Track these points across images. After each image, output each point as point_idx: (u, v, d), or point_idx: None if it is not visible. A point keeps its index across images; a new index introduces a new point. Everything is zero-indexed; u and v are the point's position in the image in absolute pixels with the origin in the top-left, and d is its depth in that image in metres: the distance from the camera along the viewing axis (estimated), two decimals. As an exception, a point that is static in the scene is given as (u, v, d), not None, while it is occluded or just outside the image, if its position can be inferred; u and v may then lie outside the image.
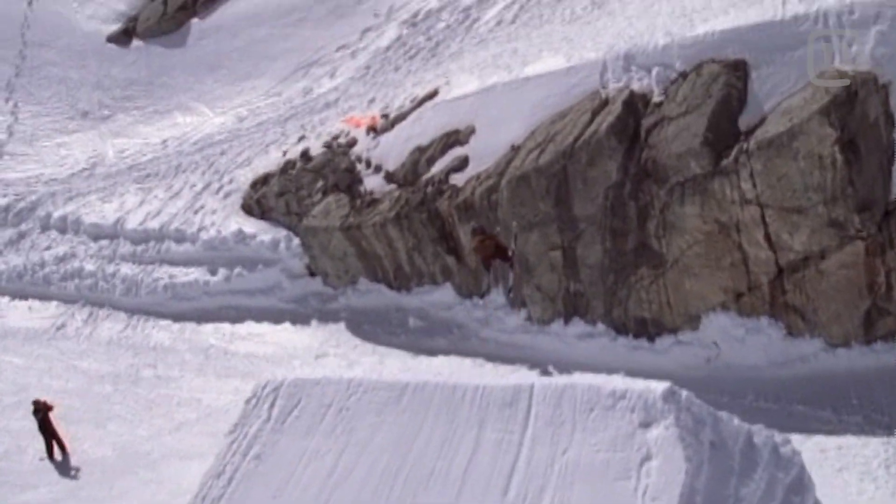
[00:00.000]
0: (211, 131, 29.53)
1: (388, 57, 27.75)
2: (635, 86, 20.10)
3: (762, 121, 18.49)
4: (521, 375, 18.90)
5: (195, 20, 33.19)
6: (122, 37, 34.30)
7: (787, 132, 17.79)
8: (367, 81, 27.44)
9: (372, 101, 26.32)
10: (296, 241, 24.58)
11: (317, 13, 30.75)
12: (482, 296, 21.91)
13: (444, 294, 22.42)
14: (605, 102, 20.32)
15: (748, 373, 18.57)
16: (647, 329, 19.68)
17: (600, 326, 20.11)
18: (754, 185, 18.08)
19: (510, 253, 20.05)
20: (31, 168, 31.74)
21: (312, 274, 24.50)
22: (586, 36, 22.32)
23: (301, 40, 30.30)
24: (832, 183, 17.58)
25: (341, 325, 23.34)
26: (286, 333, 23.61)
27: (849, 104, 17.58)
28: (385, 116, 25.07)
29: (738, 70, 19.11)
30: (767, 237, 18.26)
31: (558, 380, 12.46)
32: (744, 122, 18.65)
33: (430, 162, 22.87)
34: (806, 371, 18.23)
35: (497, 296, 21.54)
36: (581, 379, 12.34)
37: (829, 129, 17.50)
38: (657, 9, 21.73)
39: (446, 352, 21.46)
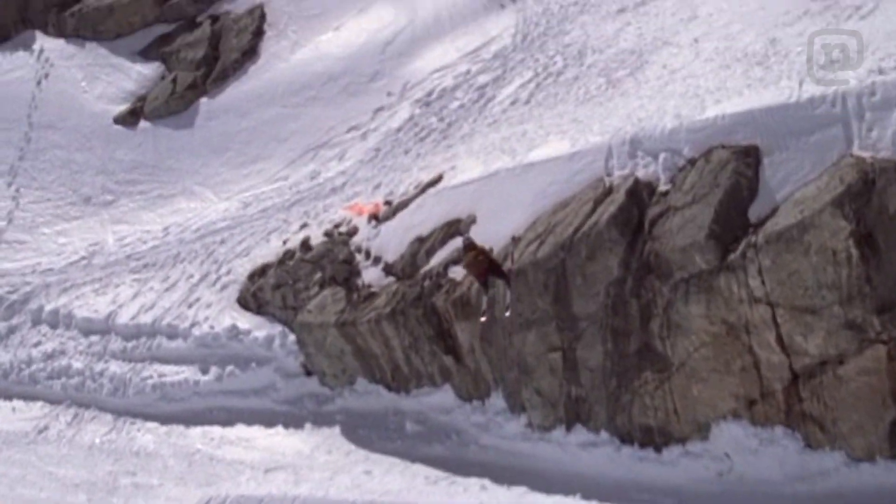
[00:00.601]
0: (214, 218, 29.73)
1: (399, 139, 27.83)
2: (641, 173, 19.87)
3: (774, 211, 18.15)
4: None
5: (204, 100, 33.60)
6: (130, 118, 34.79)
7: (797, 224, 17.41)
8: (375, 165, 27.51)
9: (378, 186, 26.36)
10: (291, 337, 24.51)
11: (328, 92, 30.98)
12: (482, 399, 21.67)
13: (444, 397, 22.16)
14: (609, 191, 20.10)
15: (763, 487, 18.02)
16: (654, 438, 19.23)
17: (604, 435, 19.70)
18: (763, 283, 17.68)
19: (506, 268, 19.91)
20: (28, 257, 32.13)
21: (309, 373, 24.38)
22: (595, 118, 22.17)
23: (311, 120, 30.52)
24: (848, 281, 17.13)
25: (336, 430, 23.12)
26: (277, 438, 23.44)
27: (865, 194, 17.15)
28: (388, 203, 25.06)
29: (750, 156, 18.80)
30: (779, 339, 17.79)
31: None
32: (755, 212, 18.30)
33: (430, 253, 22.76)
34: (826, 487, 17.66)
35: (497, 399, 21.27)
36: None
37: (842, 221, 17.09)
38: (671, 89, 21.54)
39: (443, 460, 21.20)
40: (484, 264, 20.61)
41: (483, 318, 20.73)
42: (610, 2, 28.40)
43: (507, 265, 20.51)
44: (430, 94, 28.58)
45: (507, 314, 20.36)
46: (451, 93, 28.04)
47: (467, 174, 23.11)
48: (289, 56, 32.98)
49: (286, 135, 30.74)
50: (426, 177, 24.65)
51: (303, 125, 30.58)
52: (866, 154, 17.71)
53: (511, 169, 21.85)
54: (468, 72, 28.32)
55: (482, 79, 27.79)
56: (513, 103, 26.06)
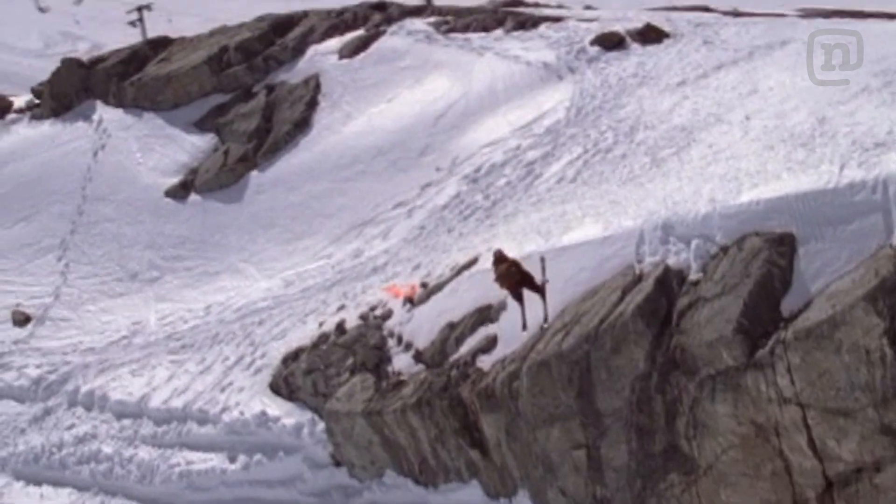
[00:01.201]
0: (255, 297, 30.12)
1: (444, 217, 28.00)
2: (672, 260, 19.72)
3: (807, 305, 17.91)
4: None
5: (254, 173, 34.21)
6: (180, 190, 35.56)
7: (828, 320, 17.10)
8: (418, 244, 27.69)
9: (417, 267, 26.49)
10: (321, 426, 24.63)
11: (378, 166, 31.34)
12: (509, 497, 21.57)
13: (471, 493, 22.04)
14: (639, 279, 19.96)
15: None
16: (682, 545, 18.97)
17: (630, 539, 19.52)
18: (792, 382, 17.35)
19: (540, 281, 20.69)
20: (70, 336, 32.81)
21: (338, 464, 24.50)
22: (633, 200, 22.06)
23: (359, 196, 30.89)
24: (882, 382, 16.73)
25: (364, 525, 23.23)
26: (303, 532, 23.60)
27: (901, 288, 16.92)
28: (424, 286, 25.23)
29: (784, 245, 18.55)
30: (811, 443, 17.41)
31: None
32: (787, 305, 18.01)
33: (460, 341, 22.77)
34: None
35: (524, 498, 21.16)
36: None
37: (875, 318, 16.74)
38: (712, 170, 21.41)
39: (470, 562, 21.14)
40: (516, 276, 20.95)
41: (524, 331, 20.99)
42: (670, 74, 28.45)
43: (540, 278, 20.83)
44: (478, 169, 28.76)
45: (545, 325, 20.55)
46: (500, 169, 28.17)
47: (502, 257, 23.17)
48: (340, 128, 33.47)
49: (333, 210, 31.11)
50: (464, 258, 24.77)
51: (350, 200, 30.94)
52: (905, 245, 17.44)
53: (545, 252, 21.88)
54: (518, 147, 28.45)
55: (531, 154, 27.88)
56: (559, 181, 26.09)
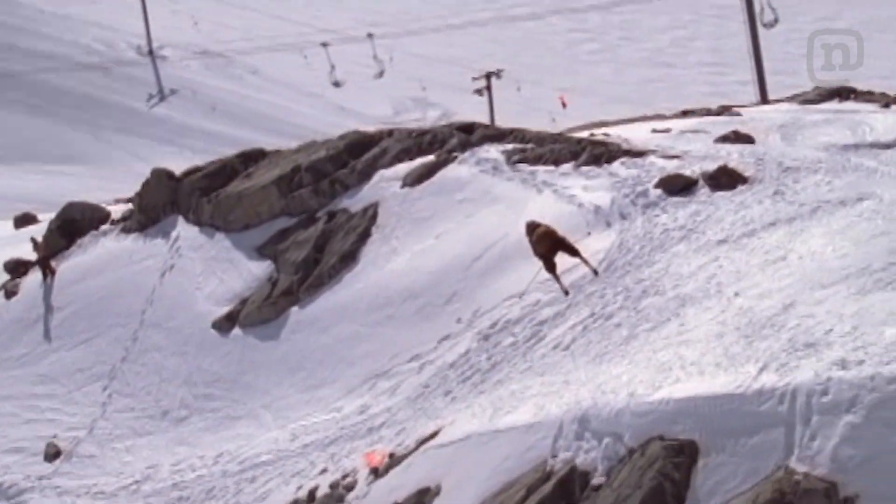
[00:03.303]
0: (261, 449, 31.19)
1: (447, 376, 28.54)
2: (581, 459, 19.95)
3: (694, 527, 17.90)
4: None
5: (295, 308, 35.43)
6: (225, 323, 37.07)
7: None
8: (416, 405, 28.27)
9: (401, 432, 27.20)
10: None
11: (406, 311, 32.12)
12: None
13: None
14: (547, 477, 20.28)
15: None
16: None
17: None
18: None
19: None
20: (89, 475, 34.60)
21: None
22: (580, 381, 22.43)
23: (382, 343, 31.69)
24: None
25: None
26: None
27: (792, 519, 16.78)
28: (391, 456, 25.97)
29: (684, 455, 18.61)
30: None
31: None
32: (677, 524, 18.10)
33: (397, 533, 23.43)
34: None
35: None
36: None
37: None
38: (658, 357, 21.60)
39: None
40: (549, 240, 28.04)
41: (568, 295, 27.99)
42: (718, 229, 28.51)
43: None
44: (494, 325, 29.26)
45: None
46: (512, 326, 28.61)
47: (452, 433, 23.74)
48: (384, 265, 34.49)
49: (356, 357, 32.06)
50: (431, 428, 25.41)
51: (373, 348, 31.83)
52: (802, 468, 17.34)
53: (482, 434, 22.36)
54: (537, 302, 28.84)
55: (546, 312, 28.24)
56: (555, 347, 26.42)
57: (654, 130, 51.66)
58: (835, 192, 29.16)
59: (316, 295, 35.38)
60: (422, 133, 39.75)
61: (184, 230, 43.04)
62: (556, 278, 28.57)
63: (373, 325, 32.66)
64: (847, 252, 24.04)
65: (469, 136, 38.90)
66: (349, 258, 35.53)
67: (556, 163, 34.72)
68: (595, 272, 28.18)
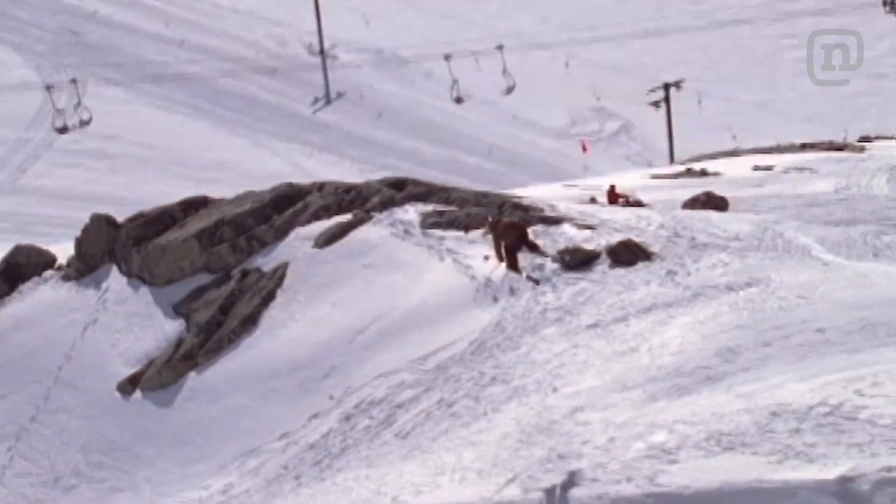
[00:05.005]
0: (126, 528, 32.98)
1: (305, 458, 29.93)
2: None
3: None
4: None
5: (192, 374, 37.01)
6: (129, 385, 38.55)
7: None
8: (270, 489, 29.67)
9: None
10: None
11: (288, 384, 33.49)
12: None
13: None
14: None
15: None
16: None
17: None
18: None
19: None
20: (-36, 548, 36.56)
21: None
22: (379, 478, 23.82)
23: (262, 417, 33.04)
24: None
25: None
26: None
27: None
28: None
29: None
30: None
31: None
32: None
33: None
34: None
35: None
36: None
37: None
38: (446, 458, 22.87)
39: None
40: (515, 234, 33.13)
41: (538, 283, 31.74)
42: (594, 312, 29.72)
43: None
44: (358, 404, 30.61)
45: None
46: (372, 408, 29.94)
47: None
48: (280, 332, 35.98)
49: (236, 433, 33.54)
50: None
51: (253, 423, 33.28)
52: None
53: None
54: (402, 383, 30.19)
55: (406, 395, 29.56)
56: (397, 435, 27.75)
57: (756, 167, 53.62)
58: (727, 276, 30.20)
59: (214, 360, 36.87)
60: (348, 189, 41.17)
61: (114, 282, 44.68)
62: (518, 271, 32.89)
63: (257, 398, 34.10)
64: (683, 349, 25.16)
65: (399, 192, 40.25)
66: (250, 322, 36.98)
67: (468, 228, 35.97)
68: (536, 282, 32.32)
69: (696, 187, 51.86)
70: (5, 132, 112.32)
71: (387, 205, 39.01)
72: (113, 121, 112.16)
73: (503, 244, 33.34)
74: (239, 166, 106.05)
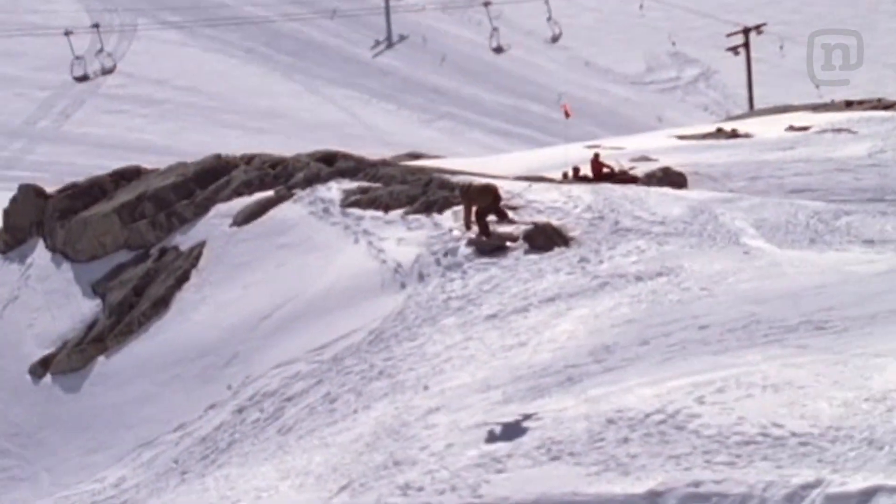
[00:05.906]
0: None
1: (193, 452, 30.23)
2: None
3: None
4: None
5: (101, 358, 37.35)
6: (40, 369, 38.85)
7: None
8: (158, 484, 29.99)
9: (132, 514, 29.11)
10: None
11: (189, 372, 33.74)
12: None
13: None
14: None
15: None
16: None
17: None
18: None
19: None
20: None
21: None
22: (244, 476, 24.12)
23: (162, 407, 33.31)
24: None
25: None
26: None
27: None
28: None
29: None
30: None
31: None
32: None
33: None
34: None
35: None
36: None
37: None
38: (298, 461, 23.14)
39: None
40: (491, 195, 33.55)
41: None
42: (497, 302, 29.92)
43: None
44: (252, 396, 30.90)
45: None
46: (265, 400, 30.22)
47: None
48: (191, 315, 36.20)
49: (137, 421, 33.82)
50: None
51: (153, 412, 33.55)
52: None
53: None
54: (297, 374, 30.43)
55: (298, 387, 29.81)
56: (279, 430, 28.00)
57: (791, 128, 52.38)
58: (639, 265, 30.38)
59: (124, 344, 37.16)
60: (275, 164, 41.32)
61: (39, 257, 44.87)
62: (489, 236, 33.59)
63: (161, 385, 34.37)
64: (566, 345, 25.37)
65: (329, 167, 40.39)
66: (161, 305, 37.24)
67: (387, 208, 36.12)
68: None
69: (721, 149, 50.74)
70: (51, 76, 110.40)
71: (311, 181, 39.17)
72: (163, 65, 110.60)
73: (475, 209, 33.72)
74: (291, 114, 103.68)
